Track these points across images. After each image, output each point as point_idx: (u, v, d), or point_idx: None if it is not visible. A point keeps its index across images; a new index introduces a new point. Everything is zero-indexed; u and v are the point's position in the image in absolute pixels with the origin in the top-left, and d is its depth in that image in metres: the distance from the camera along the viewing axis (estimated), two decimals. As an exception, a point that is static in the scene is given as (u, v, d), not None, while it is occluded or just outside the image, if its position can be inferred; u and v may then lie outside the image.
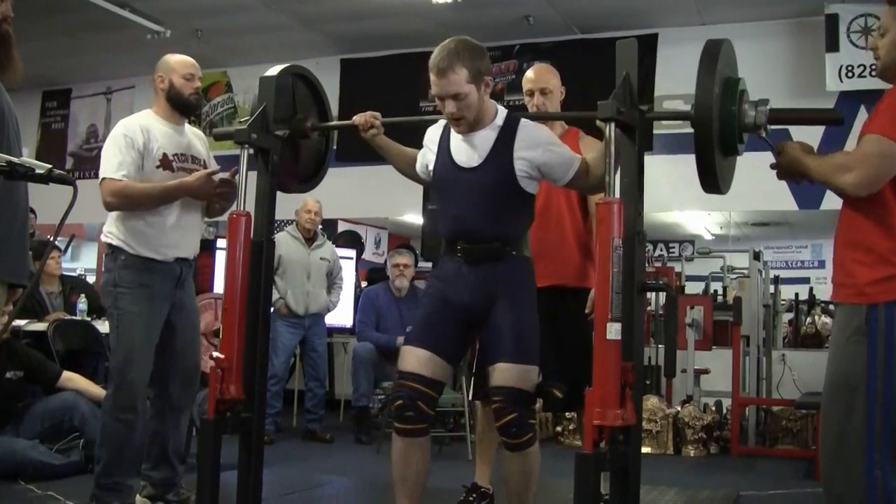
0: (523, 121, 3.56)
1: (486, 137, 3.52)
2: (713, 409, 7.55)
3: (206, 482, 3.25)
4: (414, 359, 3.53)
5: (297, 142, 3.80)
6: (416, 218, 9.60)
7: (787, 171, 3.11)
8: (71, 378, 5.53)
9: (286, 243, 7.19)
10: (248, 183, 3.46)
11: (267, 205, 3.54)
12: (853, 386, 2.92)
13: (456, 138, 3.59)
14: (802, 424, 7.19)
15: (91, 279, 10.94)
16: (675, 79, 7.89)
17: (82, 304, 6.85)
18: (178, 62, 4.29)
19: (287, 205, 5.32)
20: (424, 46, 8.84)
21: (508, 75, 8.82)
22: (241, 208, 3.43)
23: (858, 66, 7.33)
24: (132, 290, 4.05)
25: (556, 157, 3.49)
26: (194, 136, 4.37)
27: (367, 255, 11.33)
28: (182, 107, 4.26)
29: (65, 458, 5.03)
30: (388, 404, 6.90)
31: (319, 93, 3.98)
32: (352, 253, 9.36)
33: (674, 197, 8.00)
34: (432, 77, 3.45)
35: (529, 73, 4.31)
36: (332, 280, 7.55)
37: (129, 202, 4.03)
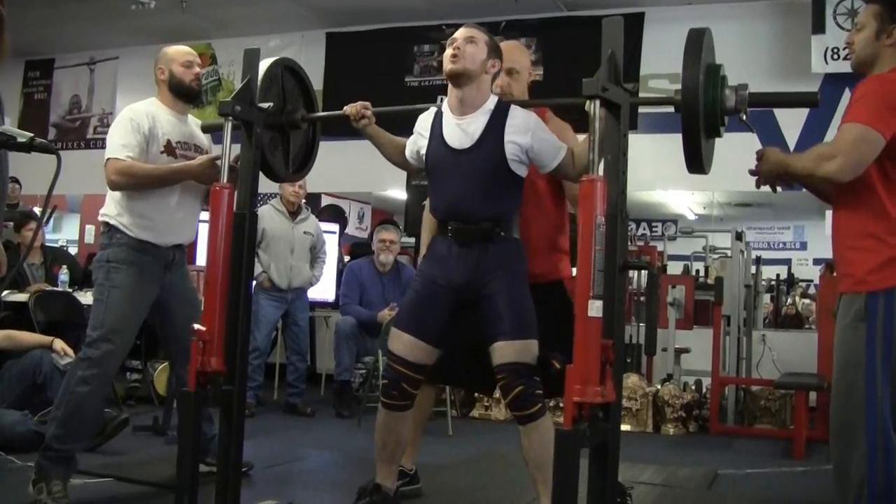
0: (513, 106, 3.68)
1: (478, 121, 3.63)
2: (693, 387, 7.59)
3: (186, 454, 3.25)
4: (400, 343, 3.70)
5: (286, 133, 3.88)
6: (399, 193, 9.59)
7: (769, 175, 3.28)
8: (8, 336, 5.52)
9: (270, 217, 7.18)
10: (232, 155, 3.47)
11: (250, 178, 3.54)
12: (854, 368, 3.04)
13: (448, 123, 3.70)
14: (781, 404, 7.24)
15: (73, 251, 10.91)
16: (661, 58, 7.89)
17: (64, 275, 6.84)
18: (175, 52, 4.37)
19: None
20: (411, 21, 8.93)
21: (494, 52, 8.80)
22: (225, 181, 3.42)
23: (844, 49, 7.33)
24: (124, 267, 4.08)
25: (544, 144, 3.63)
26: (196, 127, 4.43)
27: (350, 230, 11.34)
28: (184, 94, 4.35)
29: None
30: (370, 379, 6.95)
31: (306, 84, 4.04)
32: (335, 227, 9.36)
33: (657, 176, 8.02)
34: (459, 30, 3.68)
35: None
36: (315, 254, 7.55)
37: (133, 181, 4.08)
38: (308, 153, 4.13)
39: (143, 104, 4.30)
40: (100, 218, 4.21)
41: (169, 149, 4.21)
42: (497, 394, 7.20)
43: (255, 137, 3.54)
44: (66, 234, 14.21)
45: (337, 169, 9.20)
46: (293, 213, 7.38)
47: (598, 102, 2.73)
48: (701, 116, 2.93)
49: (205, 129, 4.37)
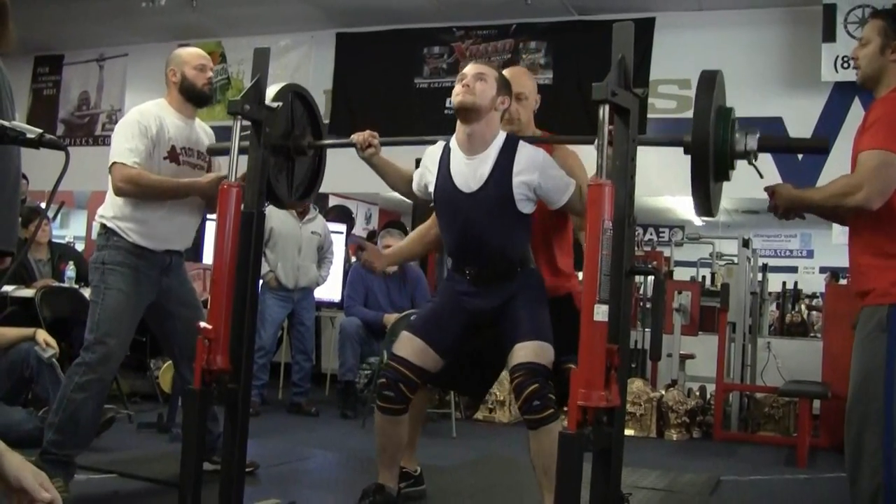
0: (521, 143, 3.68)
1: (486, 160, 3.64)
2: (697, 393, 7.58)
3: (190, 451, 3.26)
4: (409, 346, 3.74)
5: (293, 158, 3.89)
6: (407, 195, 9.59)
7: (787, 211, 3.26)
8: None
9: (278, 216, 7.17)
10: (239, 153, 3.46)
11: (258, 177, 3.54)
12: (873, 378, 3.04)
13: (456, 161, 3.71)
14: (785, 411, 7.23)
15: (80, 247, 10.92)
16: (671, 63, 7.89)
17: (70, 271, 6.84)
18: (188, 54, 4.33)
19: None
20: (421, 23, 8.93)
21: (504, 54, 8.80)
22: (233, 179, 3.42)
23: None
24: (120, 269, 4.07)
25: (553, 181, 3.64)
26: (202, 132, 4.41)
27: (357, 230, 11.33)
28: (195, 98, 4.31)
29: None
30: (374, 380, 6.94)
31: (314, 110, 4.06)
32: (342, 227, 9.35)
33: (665, 182, 8.00)
34: (468, 66, 3.69)
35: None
36: (322, 254, 7.55)
37: (139, 191, 4.07)
38: (313, 180, 4.14)
39: (151, 105, 4.27)
40: (97, 219, 4.21)
41: (173, 155, 4.19)
42: (501, 396, 7.26)
43: (264, 137, 3.54)
44: (73, 230, 14.23)
45: (344, 169, 9.15)
46: (301, 213, 7.38)
47: (607, 107, 2.73)
48: (711, 160, 2.94)
49: (211, 152, 4.36)
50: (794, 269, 15.74)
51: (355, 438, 6.34)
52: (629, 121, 2.86)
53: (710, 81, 2.98)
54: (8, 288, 6.03)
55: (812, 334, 11.16)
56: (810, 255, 17.17)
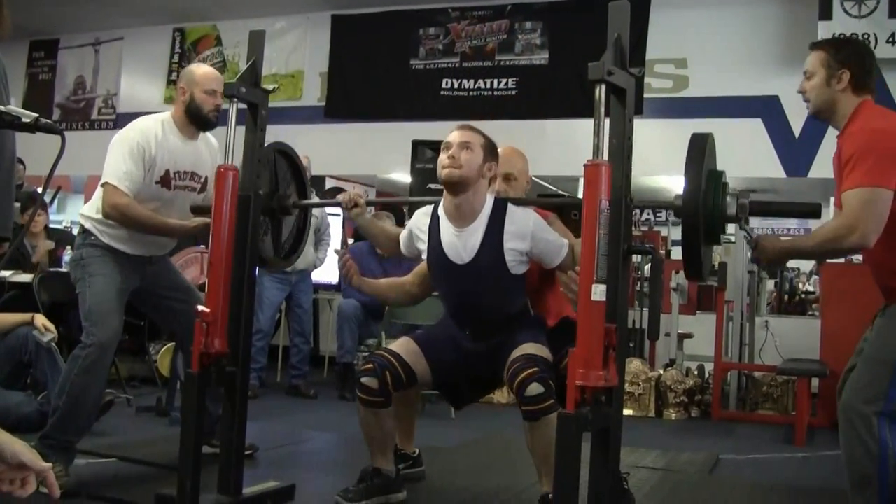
0: (510, 208, 3.69)
1: (476, 231, 3.66)
2: (695, 373, 7.59)
3: (189, 434, 3.26)
4: (404, 346, 3.79)
5: (278, 218, 3.88)
6: (403, 176, 9.58)
7: (772, 263, 3.27)
8: None
9: (274, 199, 7.16)
10: (237, 137, 3.45)
11: (255, 160, 3.54)
12: (885, 360, 3.06)
13: (446, 232, 3.73)
14: (783, 390, 7.25)
15: (76, 231, 10.91)
16: (667, 43, 7.88)
17: (67, 256, 6.83)
18: (202, 76, 4.20)
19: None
20: (416, 4, 8.90)
21: (500, 35, 8.78)
22: (230, 162, 3.42)
23: (851, 35, 7.30)
24: (99, 257, 4.08)
25: (545, 245, 3.67)
26: (205, 148, 4.30)
27: (354, 213, 11.32)
28: (199, 122, 4.20)
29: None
30: (364, 365, 6.95)
31: (299, 168, 4.06)
32: (339, 210, 9.34)
33: (662, 161, 8.00)
34: (454, 132, 3.66)
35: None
36: (319, 236, 7.54)
37: (126, 221, 4.02)
38: (298, 238, 4.11)
39: (154, 122, 4.16)
40: (79, 218, 4.18)
41: (165, 179, 4.12)
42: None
43: (260, 119, 3.54)
44: (70, 214, 14.19)
45: (341, 152, 9.21)
46: (298, 196, 7.36)
47: (603, 87, 2.72)
48: (701, 224, 2.94)
49: (195, 210, 4.24)
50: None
51: (354, 420, 6.26)
52: (625, 100, 2.86)
53: (700, 145, 2.99)
54: (5, 273, 6.02)
55: (810, 312, 11.18)
56: (808, 232, 17.19)
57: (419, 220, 3.87)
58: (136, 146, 4.02)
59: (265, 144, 3.64)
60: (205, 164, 4.26)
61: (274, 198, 3.80)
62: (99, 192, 4.09)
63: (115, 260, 4.10)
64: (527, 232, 3.63)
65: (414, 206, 3.92)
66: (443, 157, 3.62)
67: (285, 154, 3.96)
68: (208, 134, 4.35)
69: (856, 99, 3.19)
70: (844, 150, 3.10)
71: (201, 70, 4.28)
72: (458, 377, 3.90)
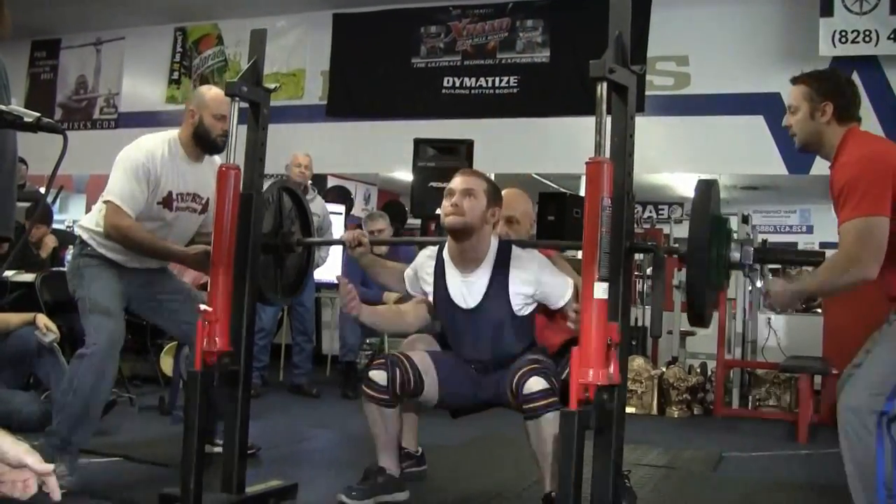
0: (515, 251, 3.73)
1: (482, 276, 3.69)
2: (698, 370, 7.59)
3: (191, 433, 3.26)
4: (419, 357, 3.78)
5: (282, 255, 3.89)
6: (405, 174, 9.58)
7: (786, 306, 3.28)
8: None
9: (276, 198, 7.16)
10: (239, 136, 3.45)
11: (257, 158, 3.54)
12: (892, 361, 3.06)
13: (452, 277, 3.77)
14: (786, 387, 7.24)
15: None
16: (669, 40, 7.86)
17: (69, 256, 6.84)
18: (212, 100, 4.14)
19: (277, 159, 5.30)
20: (417, 2, 8.88)
21: (501, 33, 8.78)
22: (232, 161, 3.42)
23: (852, 32, 7.28)
24: (96, 263, 4.09)
25: (551, 287, 3.71)
26: (209, 170, 4.18)
27: (356, 211, 11.30)
28: (207, 146, 4.18)
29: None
30: (375, 360, 6.95)
31: (303, 206, 4.06)
32: (341, 208, 9.33)
33: (664, 159, 8.00)
34: (456, 177, 3.67)
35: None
36: (321, 235, 7.52)
37: (127, 243, 4.03)
38: (301, 277, 4.11)
39: (160, 142, 4.13)
40: (77, 229, 4.18)
41: (167, 201, 4.10)
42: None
43: (262, 118, 3.54)
44: (72, 214, 14.20)
45: (343, 150, 9.20)
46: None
47: (604, 84, 2.72)
48: (706, 272, 2.96)
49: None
50: (794, 245, 15.72)
51: (356, 419, 6.29)
52: (627, 98, 2.85)
53: (705, 192, 3.00)
54: (8, 272, 6.03)
55: (813, 310, 11.17)
56: (810, 230, 17.13)
57: (424, 263, 3.90)
58: (142, 167, 4.01)
59: (265, 143, 3.64)
60: (208, 187, 4.17)
61: (279, 235, 3.83)
62: (99, 206, 4.10)
63: (112, 267, 4.11)
64: (532, 275, 3.68)
65: (421, 244, 3.97)
66: (445, 204, 3.64)
67: (290, 192, 3.98)
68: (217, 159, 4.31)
69: (841, 129, 3.21)
70: (836, 183, 3.12)
71: (212, 93, 4.21)
72: (463, 400, 3.95)
